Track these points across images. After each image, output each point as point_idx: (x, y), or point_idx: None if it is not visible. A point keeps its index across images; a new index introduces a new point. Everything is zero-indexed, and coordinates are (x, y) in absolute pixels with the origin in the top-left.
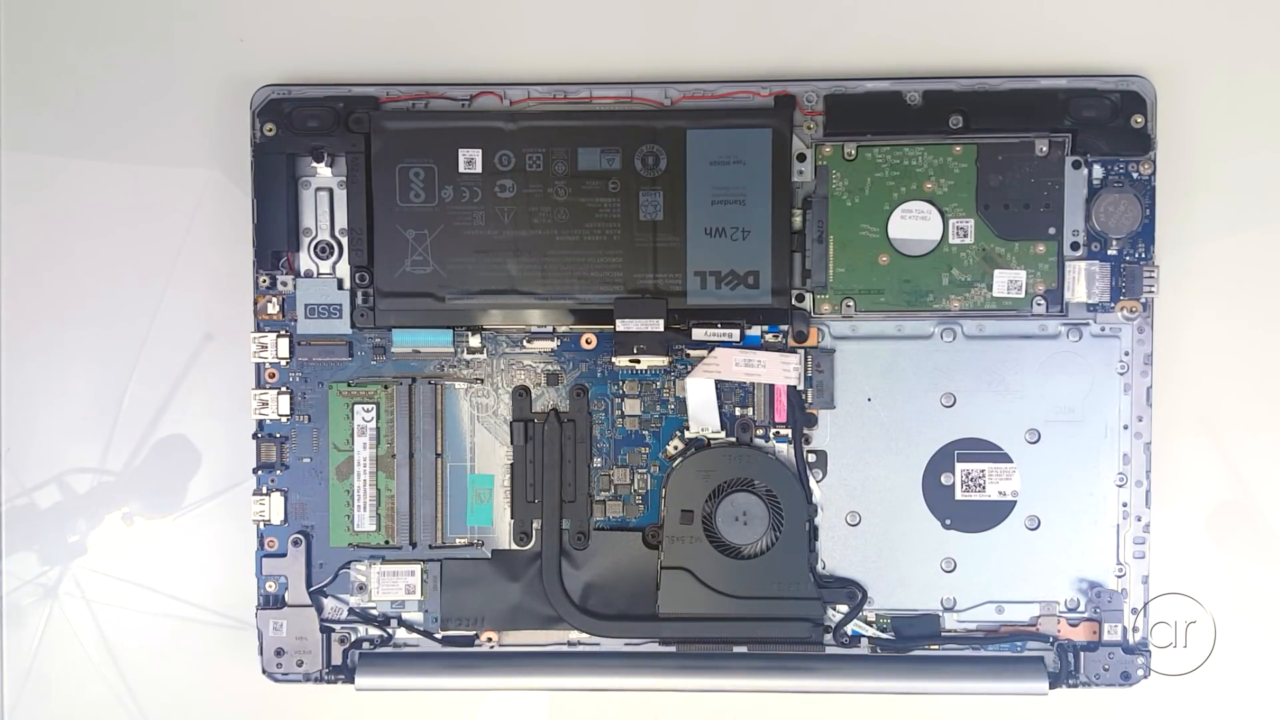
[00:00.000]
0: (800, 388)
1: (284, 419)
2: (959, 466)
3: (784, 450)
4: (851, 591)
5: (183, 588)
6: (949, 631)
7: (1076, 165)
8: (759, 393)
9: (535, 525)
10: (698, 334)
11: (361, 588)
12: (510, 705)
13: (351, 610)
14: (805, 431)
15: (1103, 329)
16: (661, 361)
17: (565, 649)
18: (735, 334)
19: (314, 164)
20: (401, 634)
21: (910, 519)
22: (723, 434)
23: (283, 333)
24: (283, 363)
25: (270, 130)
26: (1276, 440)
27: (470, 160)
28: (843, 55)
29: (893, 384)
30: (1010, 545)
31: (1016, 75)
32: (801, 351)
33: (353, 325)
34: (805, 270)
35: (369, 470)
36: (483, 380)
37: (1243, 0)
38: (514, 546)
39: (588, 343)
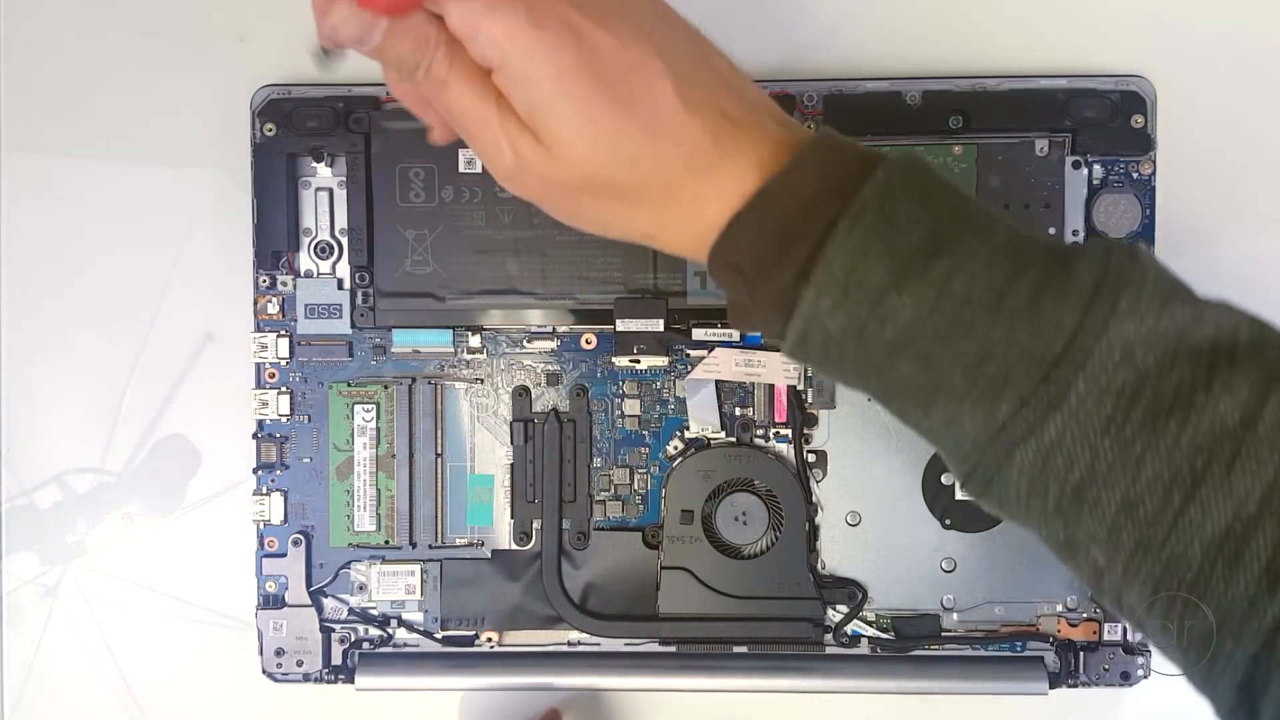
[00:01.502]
0: (800, 388)
1: (284, 419)
2: None
3: (784, 450)
4: (852, 591)
5: (183, 588)
6: (949, 631)
7: (1076, 165)
8: (759, 393)
9: (535, 525)
10: (698, 334)
11: (361, 588)
12: (510, 705)
13: (351, 610)
14: (805, 431)
15: None
16: (661, 361)
17: (565, 649)
18: (735, 334)
19: (314, 164)
20: (401, 634)
21: (910, 519)
22: (723, 434)
23: (283, 333)
24: (283, 363)
25: (270, 130)
26: None
27: (470, 160)
28: (842, 55)
29: None
30: (1010, 545)
31: (1016, 75)
32: None
33: (353, 325)
34: None
35: (369, 470)
36: (483, 380)
37: (1243, 1)
38: (514, 546)
39: (588, 343)
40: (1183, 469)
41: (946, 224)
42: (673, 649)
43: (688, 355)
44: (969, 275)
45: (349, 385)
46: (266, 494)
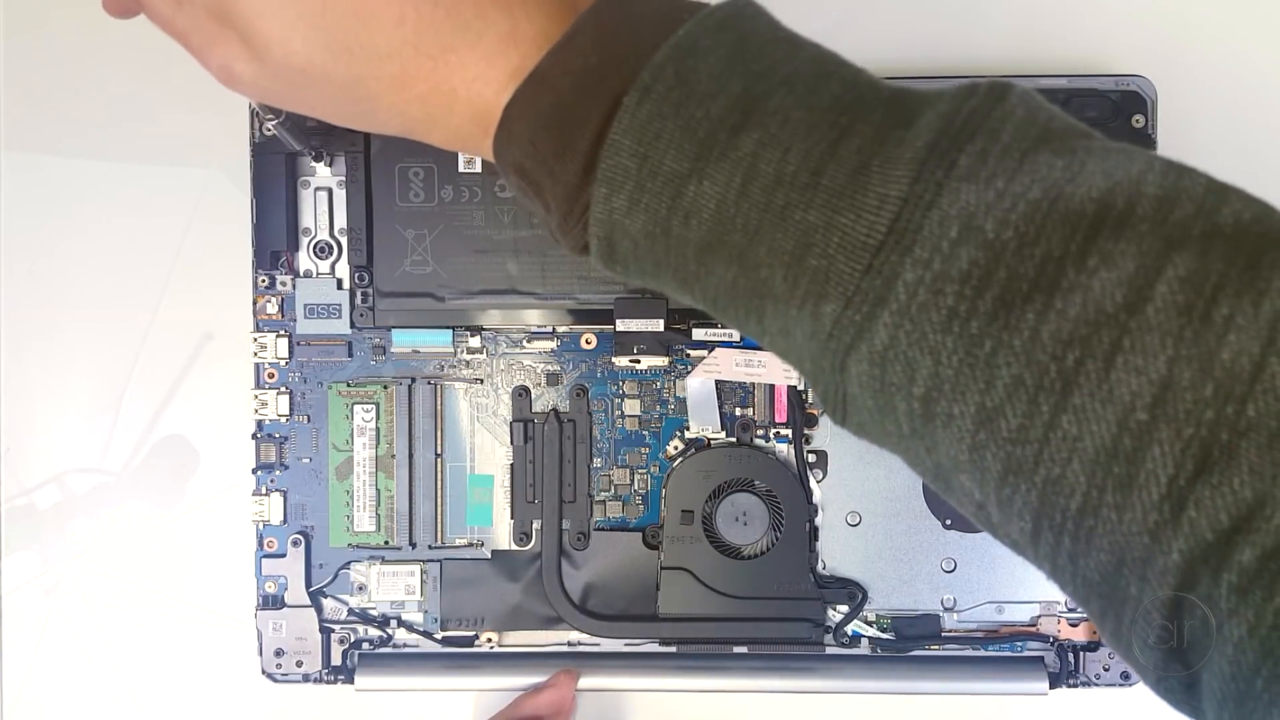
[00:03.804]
0: (801, 387)
1: (283, 419)
2: None
3: (784, 450)
4: (852, 591)
5: (182, 588)
6: (949, 632)
7: None
8: (759, 393)
9: (535, 525)
10: (698, 334)
11: (361, 588)
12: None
13: (351, 611)
14: (805, 431)
15: None
16: (661, 361)
17: (565, 649)
18: (735, 334)
19: (313, 163)
20: (401, 634)
21: (911, 519)
22: (723, 434)
23: (282, 333)
24: (282, 363)
25: (269, 130)
26: None
27: (470, 159)
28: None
29: None
30: None
31: (1017, 75)
32: None
33: (352, 325)
34: None
35: (369, 470)
36: (482, 380)
37: (1244, 1)
38: (514, 547)
39: (588, 343)
40: (1049, 370)
41: (760, 86)
42: (673, 649)
43: (688, 355)
44: (780, 148)
45: (348, 385)
46: (266, 494)
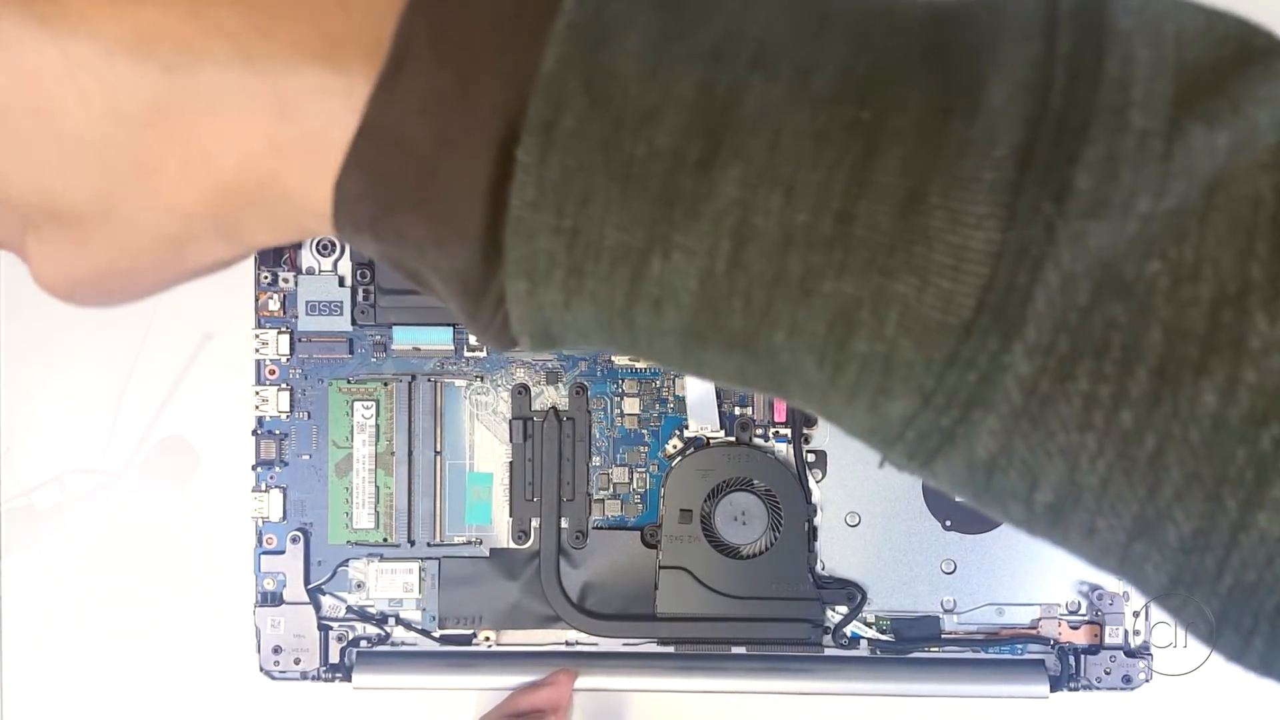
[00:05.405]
0: None
1: (284, 416)
2: None
3: (783, 450)
4: (851, 592)
5: (181, 586)
6: (949, 633)
7: None
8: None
9: (534, 524)
10: None
11: (359, 585)
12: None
13: (349, 608)
14: (805, 431)
15: None
16: None
17: (563, 649)
18: None
19: None
20: (399, 632)
21: (910, 520)
22: (722, 433)
23: (283, 329)
24: (283, 359)
25: None
26: None
27: None
28: None
29: None
30: (1011, 547)
31: None
32: None
33: (353, 322)
34: None
35: (368, 467)
36: (482, 378)
37: (1243, 2)
38: (512, 545)
39: None
40: (1235, 458)
41: (723, 75)
42: (671, 649)
43: None
44: (779, 187)
45: (349, 382)
46: (265, 491)
